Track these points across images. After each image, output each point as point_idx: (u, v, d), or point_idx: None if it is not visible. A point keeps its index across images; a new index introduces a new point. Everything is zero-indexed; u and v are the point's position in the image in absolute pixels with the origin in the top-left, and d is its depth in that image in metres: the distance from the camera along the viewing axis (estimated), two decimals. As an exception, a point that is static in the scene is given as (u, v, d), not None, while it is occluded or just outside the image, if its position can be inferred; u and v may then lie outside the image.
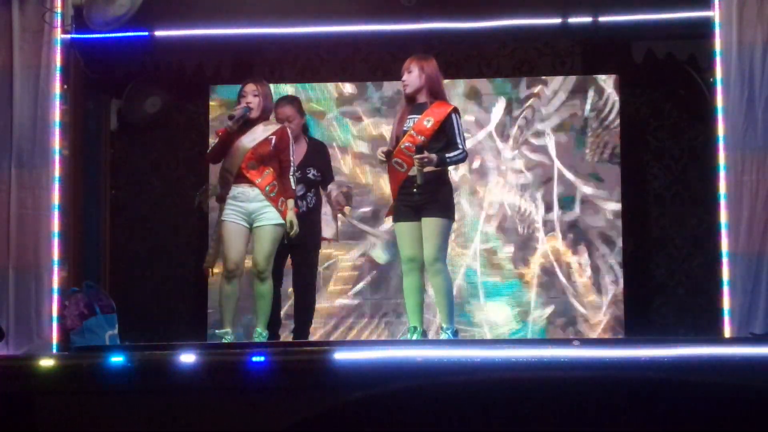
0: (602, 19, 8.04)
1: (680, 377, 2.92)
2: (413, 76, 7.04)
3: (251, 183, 7.19)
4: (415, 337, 6.97)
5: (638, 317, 8.70)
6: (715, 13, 7.63)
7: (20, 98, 7.77)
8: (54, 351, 7.53)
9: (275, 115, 7.55)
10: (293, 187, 7.30)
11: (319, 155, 7.83)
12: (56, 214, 7.75)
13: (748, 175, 7.49)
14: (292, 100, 7.89)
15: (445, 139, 6.93)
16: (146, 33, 8.15)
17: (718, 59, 7.60)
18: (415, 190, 6.88)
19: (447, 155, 6.87)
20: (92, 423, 6.27)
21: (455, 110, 7.01)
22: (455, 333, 7.03)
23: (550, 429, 2.81)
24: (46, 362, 6.62)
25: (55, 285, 7.69)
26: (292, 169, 7.31)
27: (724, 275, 7.47)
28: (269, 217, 7.21)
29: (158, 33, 8.18)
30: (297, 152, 7.50)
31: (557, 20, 8.07)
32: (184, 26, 8.23)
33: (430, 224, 6.89)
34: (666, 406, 2.80)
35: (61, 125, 7.84)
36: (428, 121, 6.94)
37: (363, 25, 8.21)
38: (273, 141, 7.20)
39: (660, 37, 8.39)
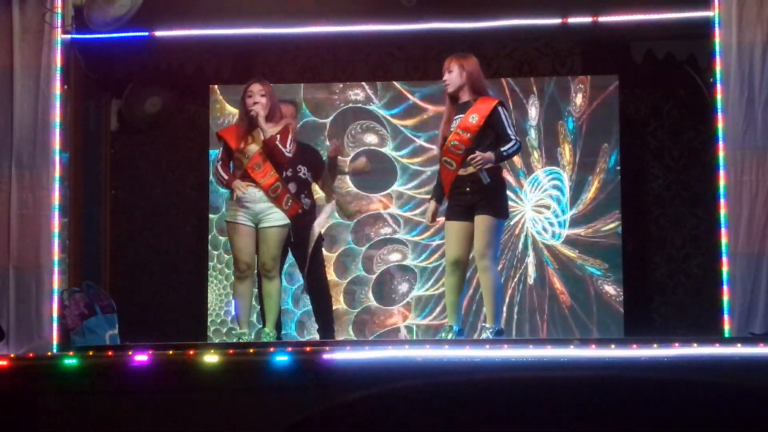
0: (602, 19, 8.05)
1: (680, 377, 2.92)
2: (453, 75, 7.03)
3: (256, 183, 7.21)
4: (450, 336, 6.97)
5: (638, 317, 8.70)
6: (714, 14, 7.63)
7: (20, 98, 7.77)
8: (54, 351, 7.53)
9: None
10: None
11: (309, 154, 7.89)
12: (56, 214, 7.75)
13: (747, 175, 7.49)
14: (290, 101, 8.03)
15: (493, 133, 6.89)
16: (146, 33, 8.15)
17: (717, 59, 7.60)
18: (468, 189, 6.88)
19: (502, 149, 6.84)
20: (92, 423, 6.27)
21: (501, 103, 6.99)
22: (499, 333, 7.01)
23: (550, 429, 2.81)
24: (46, 362, 6.62)
25: (55, 285, 7.69)
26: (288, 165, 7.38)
27: (723, 275, 7.48)
28: (275, 217, 7.24)
29: (158, 33, 8.18)
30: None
31: (557, 20, 8.07)
32: (184, 26, 8.23)
33: (481, 222, 6.87)
34: (666, 406, 2.80)
35: (61, 125, 7.84)
36: (473, 118, 6.92)
37: (363, 25, 8.20)
38: (278, 139, 7.22)
39: (660, 37, 8.39)
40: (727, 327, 7.39)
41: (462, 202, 6.94)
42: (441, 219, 7.27)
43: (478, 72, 7.08)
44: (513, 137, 6.89)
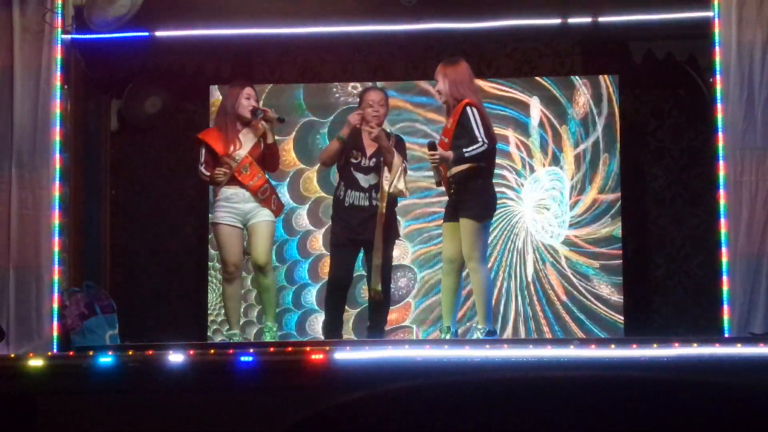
0: (602, 19, 8.05)
1: (680, 377, 2.92)
2: (440, 86, 7.08)
3: (244, 186, 7.25)
4: (447, 337, 7.01)
5: (638, 317, 8.70)
6: (714, 13, 7.63)
7: (21, 98, 7.77)
8: (54, 351, 7.53)
9: (362, 101, 7.53)
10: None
11: (395, 145, 7.54)
12: (56, 213, 7.75)
13: (747, 175, 7.49)
14: (382, 89, 7.85)
15: (466, 134, 6.91)
16: (146, 33, 8.15)
17: (717, 59, 7.60)
18: (452, 190, 6.94)
19: (465, 150, 6.82)
20: (92, 423, 6.27)
21: (469, 103, 6.95)
22: (491, 333, 7.02)
23: (549, 429, 2.81)
24: (46, 362, 6.62)
25: (56, 285, 7.69)
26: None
27: (723, 275, 7.48)
28: (264, 213, 7.28)
29: (158, 33, 8.19)
30: (371, 142, 7.47)
31: (557, 20, 8.07)
32: (184, 26, 8.23)
33: (463, 225, 6.93)
34: (666, 406, 2.80)
35: (61, 125, 7.84)
36: (449, 122, 6.97)
37: (363, 25, 8.21)
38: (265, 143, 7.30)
39: (660, 37, 8.38)
40: (726, 327, 7.39)
41: (450, 202, 7.03)
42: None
43: (464, 78, 7.06)
44: (480, 138, 6.82)
